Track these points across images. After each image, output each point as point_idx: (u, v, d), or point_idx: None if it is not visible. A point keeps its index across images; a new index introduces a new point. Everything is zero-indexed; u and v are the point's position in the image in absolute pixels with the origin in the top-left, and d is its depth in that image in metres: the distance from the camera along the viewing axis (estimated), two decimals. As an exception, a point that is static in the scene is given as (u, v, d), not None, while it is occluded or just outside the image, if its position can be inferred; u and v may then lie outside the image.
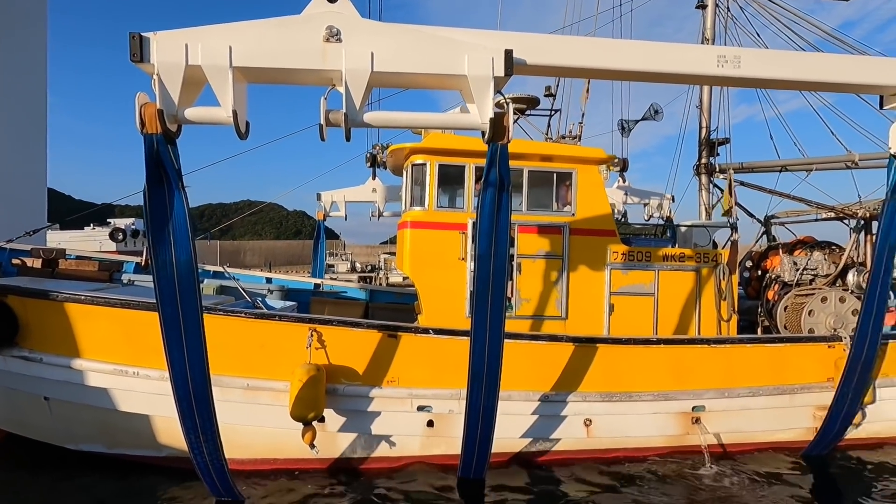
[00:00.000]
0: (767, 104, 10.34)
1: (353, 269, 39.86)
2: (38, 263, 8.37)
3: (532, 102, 8.50)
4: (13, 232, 8.16)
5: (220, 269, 10.40)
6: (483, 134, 4.63)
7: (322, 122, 4.30)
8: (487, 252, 4.80)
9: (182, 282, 4.40)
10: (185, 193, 4.36)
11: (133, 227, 31.03)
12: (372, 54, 4.18)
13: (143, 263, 10.03)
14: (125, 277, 8.98)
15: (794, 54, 5.19)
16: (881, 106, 5.53)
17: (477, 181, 7.36)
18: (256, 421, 5.84)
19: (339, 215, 11.21)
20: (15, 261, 8.16)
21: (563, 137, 8.43)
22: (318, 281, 11.29)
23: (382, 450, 6.18)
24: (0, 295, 5.57)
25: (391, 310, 9.92)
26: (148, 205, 4.27)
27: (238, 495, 5.43)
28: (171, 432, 6.04)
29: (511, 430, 6.18)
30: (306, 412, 5.37)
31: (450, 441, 6.15)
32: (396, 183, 10.03)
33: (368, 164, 9.97)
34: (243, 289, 7.62)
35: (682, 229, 8.31)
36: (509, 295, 7.97)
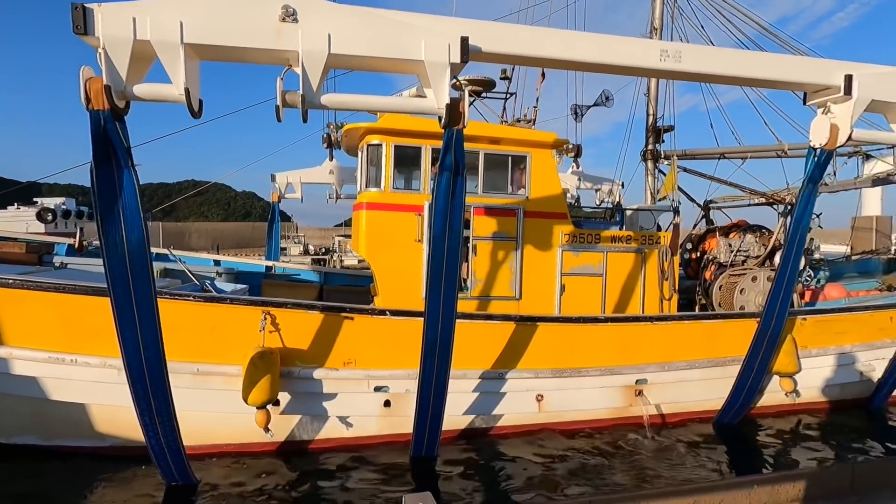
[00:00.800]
0: (710, 95, 10.89)
1: (306, 252, 39.04)
2: (-43, 245, 7.75)
3: (488, 85, 8.55)
4: None
5: (165, 251, 9.95)
6: (440, 119, 4.70)
7: (279, 102, 4.26)
8: (442, 233, 4.92)
9: (134, 261, 4.30)
10: (135, 171, 4.22)
11: (63, 206, 28.84)
12: (329, 36, 4.14)
13: (76, 245, 9.45)
14: (57, 260, 8.44)
15: (730, 52, 5.50)
16: (804, 102, 5.99)
17: (433, 163, 7.38)
18: (208, 406, 5.70)
19: (295, 197, 10.90)
20: (-70, 244, 7.52)
21: (518, 121, 8.55)
22: (271, 264, 11.01)
23: (339, 431, 6.21)
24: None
25: (345, 292, 9.85)
26: (95, 184, 4.11)
27: (193, 479, 5.34)
28: (113, 420, 5.83)
29: (465, 407, 6.37)
30: (260, 396, 5.30)
31: (407, 420, 6.24)
32: (353, 164, 9.87)
33: (325, 145, 9.71)
34: (190, 271, 7.32)
35: (629, 213, 8.68)
36: (465, 276, 8.14)
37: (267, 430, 5.47)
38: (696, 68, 5.14)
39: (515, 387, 6.43)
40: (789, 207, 9.05)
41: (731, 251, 9.00)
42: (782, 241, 9.05)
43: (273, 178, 10.88)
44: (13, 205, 27.47)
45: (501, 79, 9.07)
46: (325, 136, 9.78)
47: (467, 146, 6.81)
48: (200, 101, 4.24)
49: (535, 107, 8.54)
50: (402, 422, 6.26)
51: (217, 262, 10.58)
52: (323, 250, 40.83)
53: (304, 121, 4.36)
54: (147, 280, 4.39)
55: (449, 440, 6.32)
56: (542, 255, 7.67)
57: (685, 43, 6.27)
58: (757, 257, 8.93)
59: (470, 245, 7.38)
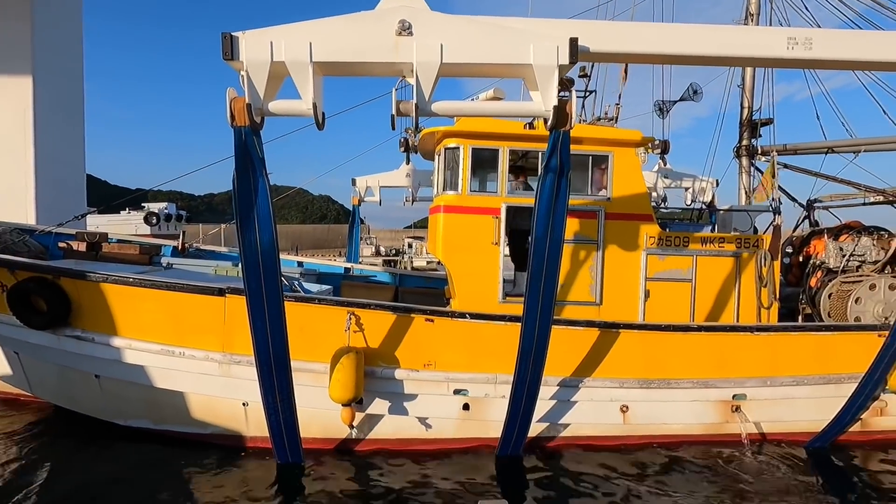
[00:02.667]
0: (812, 82, 9.85)
1: (377, 253, 40.34)
2: (82, 247, 8.72)
3: (568, 84, 8.30)
4: (56, 216, 8.43)
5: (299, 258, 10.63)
6: (545, 121, 4.74)
7: (393, 111, 4.54)
8: (544, 236, 4.93)
9: (265, 260, 4.79)
10: (268, 180, 4.68)
11: (166, 211, 31.88)
12: (441, 46, 4.34)
13: (179, 247, 10.34)
14: (164, 261, 9.25)
15: (868, 34, 4.98)
16: None
17: (512, 165, 7.29)
18: (296, 401, 5.97)
19: (374, 200, 11.27)
20: (61, 244, 8.50)
21: (599, 119, 8.22)
22: (349, 265, 11.40)
23: (418, 432, 6.27)
24: (54, 277, 5.79)
25: (420, 294, 9.97)
26: (236, 191, 4.63)
27: (302, 459, 5.76)
28: (213, 410, 6.28)
29: (545, 413, 6.20)
30: (346, 394, 5.47)
31: (484, 424, 6.21)
32: (429, 167, 9.99)
33: (402, 149, 9.93)
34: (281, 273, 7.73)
35: (722, 213, 8.05)
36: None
37: (351, 426, 5.65)
38: (829, 55, 4.70)
39: (598, 396, 6.17)
40: (915, 206, 8.00)
41: (843, 255, 8.07)
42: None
43: (353, 183, 11.30)
44: (125, 209, 30.78)
45: (580, 76, 8.78)
46: (402, 140, 9.98)
47: (542, 146, 6.70)
48: (323, 114, 4.62)
49: (617, 104, 8.18)
50: (480, 426, 6.23)
51: (300, 264, 11.12)
52: (394, 251, 41.99)
53: (416, 129, 4.57)
54: (276, 276, 4.88)
55: (528, 446, 6.19)
56: (625, 259, 7.30)
57: (815, 28, 5.68)
58: (875, 262, 7.95)
59: (548, 248, 7.19)
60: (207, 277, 7.40)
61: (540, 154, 7.26)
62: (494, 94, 7.70)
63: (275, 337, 5.03)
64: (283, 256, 11.96)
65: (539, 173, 5.13)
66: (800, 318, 8.20)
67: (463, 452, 6.23)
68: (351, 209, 12.14)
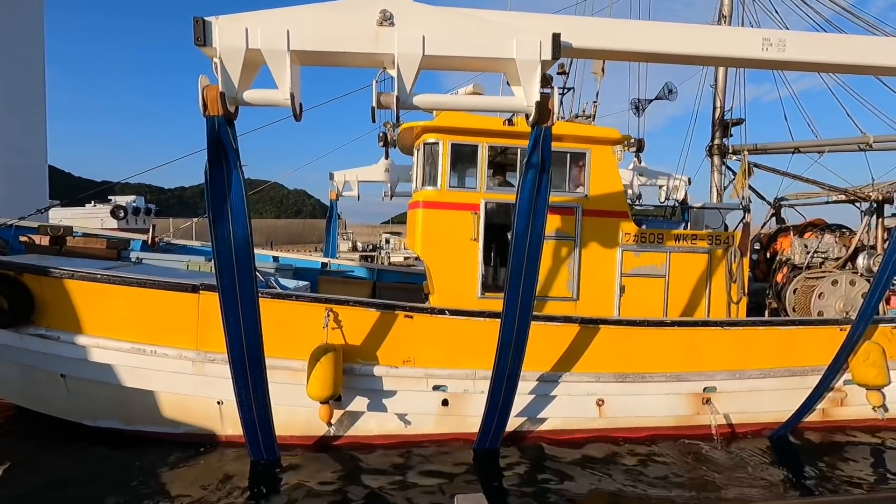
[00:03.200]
0: (780, 83, 10.18)
1: (354, 248, 39.96)
2: (45, 241, 8.32)
3: (545, 81, 8.35)
4: (16, 208, 8.03)
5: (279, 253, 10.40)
6: (527, 117, 4.72)
7: (374, 104, 4.43)
8: (524, 232, 4.92)
9: (239, 255, 4.66)
10: (242, 172, 4.53)
11: (134, 204, 30.85)
12: (423, 38, 4.26)
13: (149, 242, 10.04)
14: (133, 256, 8.96)
15: (838, 37, 5.12)
16: None
17: (491, 161, 7.30)
18: (273, 399, 5.88)
19: (352, 195, 11.15)
20: (22, 238, 8.12)
21: (577, 117, 8.31)
22: (326, 260, 11.27)
23: (397, 427, 6.26)
24: (17, 273, 5.55)
25: (398, 289, 9.92)
26: (209, 183, 4.45)
27: (277, 455, 5.69)
28: (186, 409, 6.13)
29: (523, 408, 6.26)
30: (324, 391, 5.42)
31: (463, 420, 6.24)
32: (408, 162, 9.94)
33: (381, 143, 9.82)
34: (255, 268, 7.58)
35: (695, 211, 8.26)
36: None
37: (329, 424, 5.60)
38: (801, 56, 4.82)
39: (576, 390, 6.27)
40: (874, 205, 8.35)
41: (808, 252, 8.39)
42: (866, 242, 8.42)
43: (331, 177, 11.14)
44: (90, 202, 29.67)
45: (559, 73, 8.84)
46: (380, 134, 9.89)
47: (522, 143, 6.71)
48: (301, 105, 4.49)
49: (594, 102, 8.28)
50: (459, 421, 6.26)
51: (276, 259, 10.93)
52: (371, 247, 41.69)
53: (397, 122, 4.50)
54: (250, 272, 4.76)
55: (506, 440, 6.26)
56: (602, 255, 7.42)
57: (788, 30, 5.83)
58: (837, 259, 8.28)
59: (526, 244, 7.26)
60: (179, 273, 7.21)
61: (519, 150, 7.30)
62: (474, 89, 7.69)
63: (248, 334, 4.92)
64: (258, 251, 11.82)
65: (520, 169, 5.14)
66: (766, 312, 8.49)
67: (441, 447, 6.25)
68: (328, 204, 11.98)
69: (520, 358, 5.39)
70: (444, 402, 6.17)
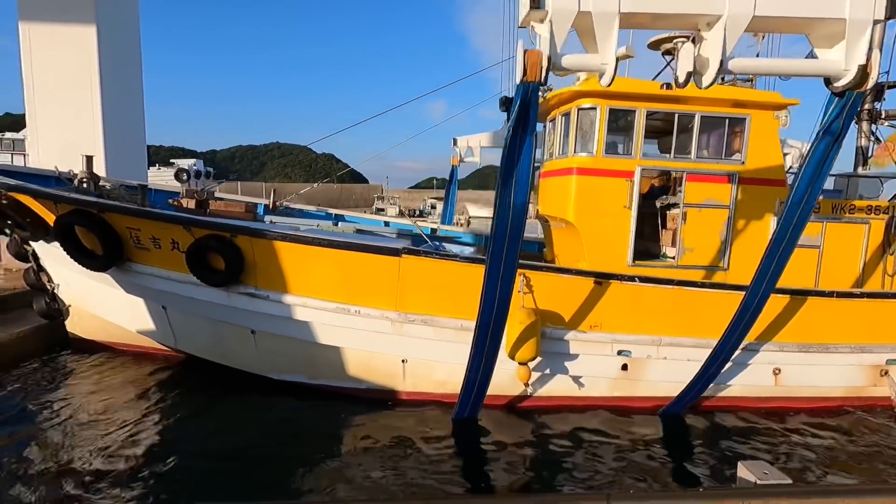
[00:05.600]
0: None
1: (401, 214, 40.12)
2: (192, 204, 8.66)
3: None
4: (121, 169, 8.24)
5: (340, 212, 10.64)
6: (826, 81, 4.51)
7: (689, 69, 4.24)
8: (799, 201, 4.92)
9: (514, 222, 4.70)
10: (536, 140, 4.57)
11: (195, 168, 31.46)
12: None
13: (270, 206, 10.37)
14: (267, 219, 9.25)
15: None
16: None
17: (649, 125, 7.15)
18: (463, 359, 6.09)
19: (474, 160, 11.11)
20: (171, 202, 8.45)
21: (736, 80, 8.01)
22: (435, 226, 11.39)
23: (575, 389, 6.44)
24: (231, 235, 5.78)
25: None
26: (507, 147, 4.49)
27: (476, 414, 5.98)
28: (374, 367, 6.42)
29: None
30: (528, 354, 5.60)
31: (636, 384, 6.39)
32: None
33: (503, 108, 9.66)
34: (423, 233, 7.76)
35: (848, 179, 8.01)
36: (663, 244, 7.96)
37: (527, 385, 5.79)
38: None
39: (756, 359, 6.32)
40: None
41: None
42: None
43: (455, 143, 11.12)
44: (154, 166, 30.36)
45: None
46: (502, 98, 9.73)
47: (683, 108, 6.50)
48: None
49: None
50: (633, 385, 6.40)
51: (387, 224, 11.10)
52: (416, 212, 41.79)
53: (704, 86, 4.34)
54: (518, 241, 4.81)
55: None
56: (755, 224, 7.30)
57: None
58: None
59: (680, 212, 7.19)
60: (344, 235, 7.42)
61: (676, 115, 7.12)
62: (627, 52, 7.47)
63: (502, 298, 5.04)
64: (369, 216, 11.99)
65: (814, 135, 4.93)
66: None
67: (615, 411, 6.42)
68: (450, 170, 11.98)
69: (746, 330, 5.57)
70: (624, 367, 6.30)
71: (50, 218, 6.34)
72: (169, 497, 4.52)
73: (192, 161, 32.45)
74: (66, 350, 8.01)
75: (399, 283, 5.86)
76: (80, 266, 6.20)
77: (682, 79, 4.33)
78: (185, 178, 28.84)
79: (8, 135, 27.16)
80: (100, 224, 5.94)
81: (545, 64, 4.07)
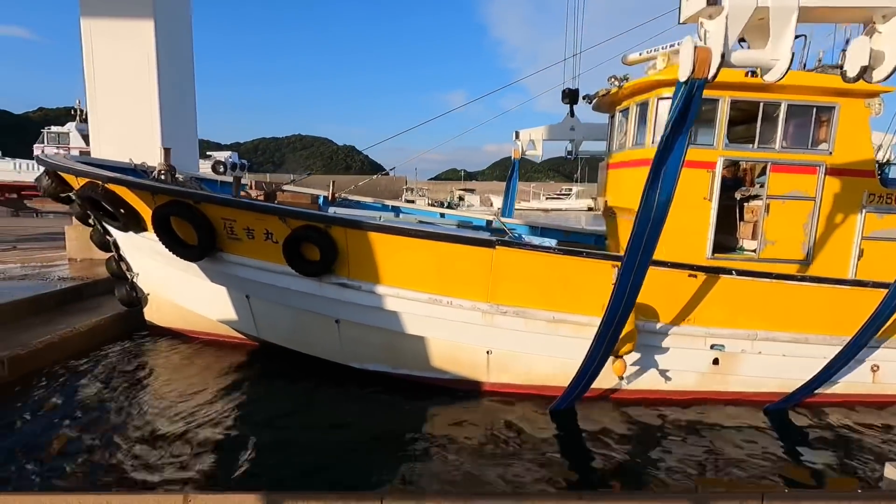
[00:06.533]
0: None
1: (431, 205, 40.33)
2: (261, 196, 8.81)
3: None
4: (176, 161, 8.35)
5: (396, 204, 10.71)
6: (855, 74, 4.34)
7: (864, 63, 4.17)
8: None
9: (656, 219, 4.70)
10: (689, 139, 4.49)
11: (231, 160, 31.93)
12: None
13: (330, 197, 10.49)
14: (331, 210, 9.35)
15: None
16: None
17: (732, 115, 6.95)
18: (553, 351, 6.08)
19: (535, 153, 11.03)
20: (242, 193, 8.58)
21: (825, 66, 7.74)
22: (492, 217, 11.33)
23: (665, 383, 6.37)
24: (326, 226, 5.83)
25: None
26: (662, 143, 4.44)
27: (574, 405, 6.02)
28: (458, 357, 6.43)
29: (805, 372, 6.21)
30: (626, 346, 5.54)
31: (726, 378, 6.29)
32: (595, 120, 9.68)
33: (566, 101, 9.57)
34: (504, 225, 7.74)
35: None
36: (741, 237, 7.75)
37: (622, 378, 5.74)
38: None
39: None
40: None
41: None
42: None
43: (516, 136, 11.04)
44: (192, 158, 30.88)
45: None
46: (566, 90, 9.61)
47: (768, 96, 6.28)
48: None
49: (843, 50, 7.65)
50: (723, 380, 6.30)
51: (442, 215, 11.09)
52: (445, 203, 41.87)
53: (875, 81, 4.23)
54: (656, 238, 4.81)
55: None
56: (842, 217, 7.09)
57: None
58: None
59: (762, 203, 7.01)
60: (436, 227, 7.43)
61: (762, 104, 6.92)
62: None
63: (632, 293, 5.03)
64: (425, 208, 12.00)
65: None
66: None
67: (711, 404, 6.33)
68: (512, 163, 11.92)
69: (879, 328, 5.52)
70: (715, 361, 6.20)
71: (144, 209, 6.49)
72: (247, 479, 4.59)
73: (227, 153, 32.93)
74: (144, 334, 8.26)
75: (492, 275, 5.85)
76: (176, 255, 6.34)
77: (853, 73, 4.20)
78: (221, 170, 29.30)
79: (53, 128, 27.87)
80: (197, 215, 6.06)
81: (717, 60, 3.96)
